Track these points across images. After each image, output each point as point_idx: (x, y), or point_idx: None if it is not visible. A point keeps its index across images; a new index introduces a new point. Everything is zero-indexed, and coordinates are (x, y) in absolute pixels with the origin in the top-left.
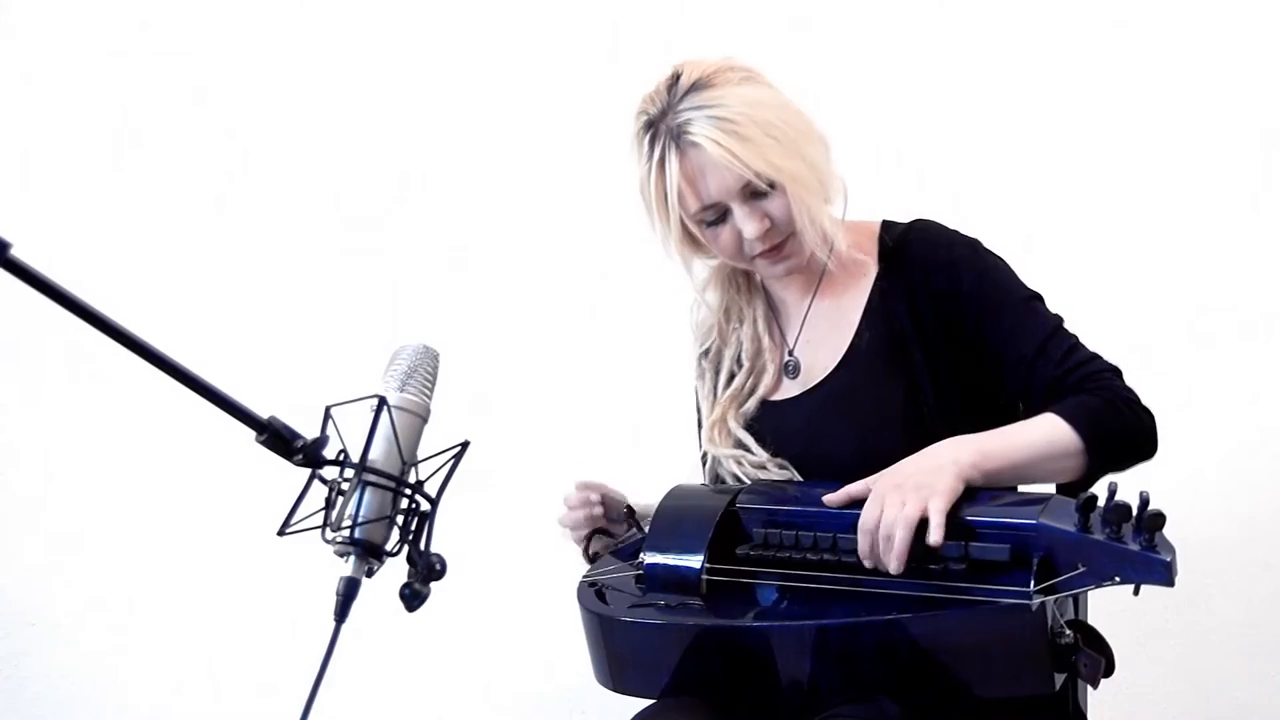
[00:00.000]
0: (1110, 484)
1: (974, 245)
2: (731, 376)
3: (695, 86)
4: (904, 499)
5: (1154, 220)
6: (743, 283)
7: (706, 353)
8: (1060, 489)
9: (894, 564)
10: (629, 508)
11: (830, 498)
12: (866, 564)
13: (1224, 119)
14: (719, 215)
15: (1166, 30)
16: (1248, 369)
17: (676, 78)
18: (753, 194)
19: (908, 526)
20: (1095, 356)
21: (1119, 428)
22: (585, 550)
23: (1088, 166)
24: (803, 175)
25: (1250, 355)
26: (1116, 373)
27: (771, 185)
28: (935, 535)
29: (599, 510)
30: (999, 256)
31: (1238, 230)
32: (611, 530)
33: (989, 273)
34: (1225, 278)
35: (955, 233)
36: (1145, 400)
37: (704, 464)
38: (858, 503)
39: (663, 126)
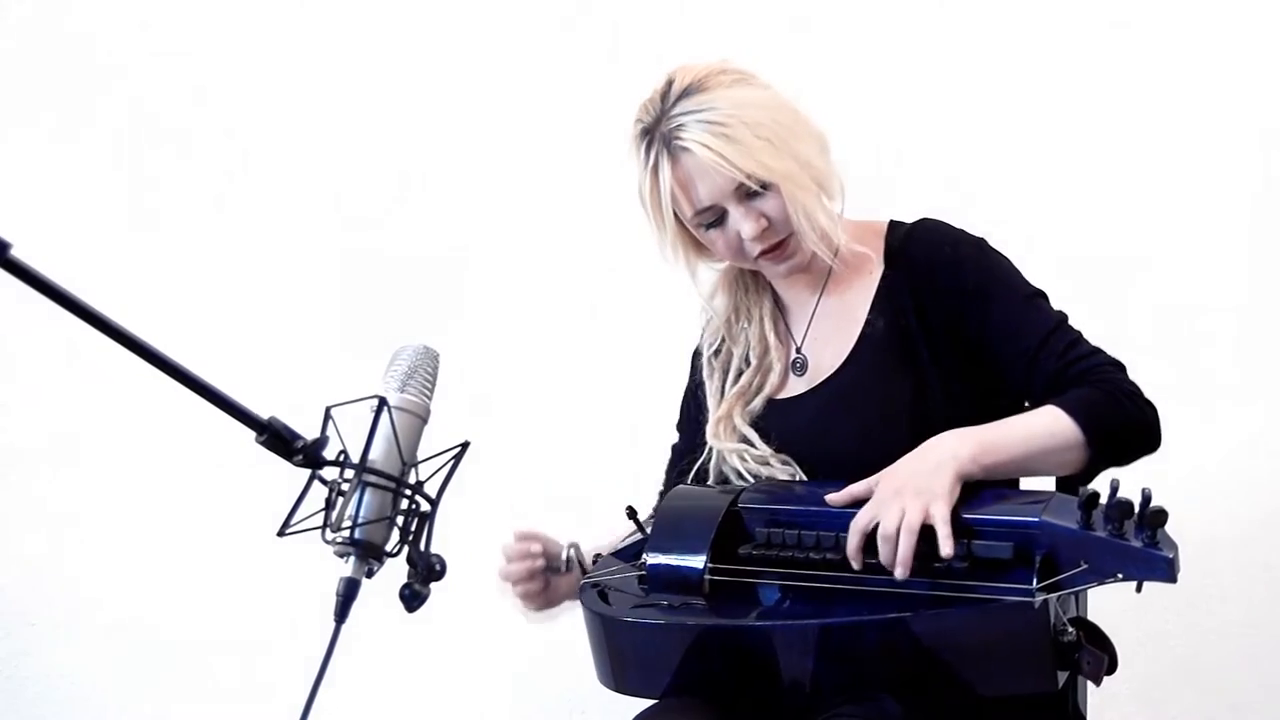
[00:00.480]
0: (1112, 481)
1: (979, 244)
2: (739, 374)
3: (687, 91)
4: (904, 505)
5: (1154, 220)
6: (750, 283)
7: (717, 352)
8: (1061, 483)
9: (900, 570)
10: (629, 507)
11: (833, 497)
12: (855, 565)
13: (1224, 119)
14: (716, 218)
15: (1166, 30)
16: (1248, 369)
17: (670, 84)
18: (747, 195)
19: (911, 533)
20: (1097, 351)
21: (1120, 420)
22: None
23: (1088, 167)
24: (795, 174)
25: (1251, 355)
26: (1119, 367)
27: (765, 185)
28: (946, 548)
29: (540, 562)
30: (1004, 255)
31: (1238, 230)
32: (552, 580)
33: (993, 270)
34: (1226, 278)
35: (961, 232)
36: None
37: (671, 458)
38: (860, 503)
39: (657, 133)
